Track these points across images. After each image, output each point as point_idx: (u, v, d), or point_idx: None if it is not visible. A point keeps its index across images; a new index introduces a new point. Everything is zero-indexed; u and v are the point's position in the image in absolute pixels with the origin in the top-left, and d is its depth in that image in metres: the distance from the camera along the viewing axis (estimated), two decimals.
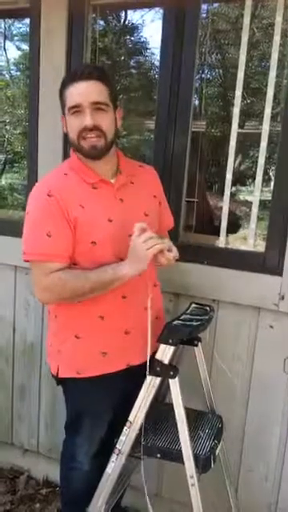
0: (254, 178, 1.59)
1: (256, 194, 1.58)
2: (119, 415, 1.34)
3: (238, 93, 1.55)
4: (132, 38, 8.65)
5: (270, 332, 1.58)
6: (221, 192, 1.61)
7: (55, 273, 1.25)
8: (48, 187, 1.26)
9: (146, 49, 9.03)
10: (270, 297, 1.54)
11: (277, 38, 1.47)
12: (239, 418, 1.66)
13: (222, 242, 1.64)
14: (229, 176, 1.59)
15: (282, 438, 1.61)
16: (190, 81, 1.59)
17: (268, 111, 1.51)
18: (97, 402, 1.38)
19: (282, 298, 1.52)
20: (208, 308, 1.47)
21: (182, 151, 1.65)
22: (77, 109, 1.22)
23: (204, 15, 1.70)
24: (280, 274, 1.52)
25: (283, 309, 1.52)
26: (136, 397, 1.29)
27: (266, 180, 1.66)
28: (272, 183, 1.55)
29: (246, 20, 1.51)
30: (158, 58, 1.61)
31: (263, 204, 1.62)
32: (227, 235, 1.66)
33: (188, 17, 1.56)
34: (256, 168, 1.55)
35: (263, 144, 1.53)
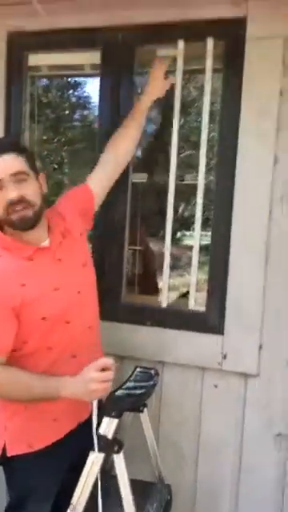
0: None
1: (195, 254, 1.61)
2: (69, 485, 1.24)
3: (174, 149, 1.61)
4: (75, 93, 9.01)
5: (215, 392, 1.57)
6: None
7: None
8: None
9: (89, 102, 9.44)
10: (213, 356, 1.54)
11: (206, 99, 1.56)
12: (189, 483, 1.60)
13: (164, 301, 1.65)
14: (168, 238, 1.62)
15: (232, 502, 1.57)
16: None
17: (202, 167, 1.57)
18: (47, 475, 1.28)
19: (225, 356, 1.53)
20: (152, 372, 1.44)
21: (123, 209, 1.66)
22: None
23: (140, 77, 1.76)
24: (221, 332, 1.54)
25: (226, 367, 1.53)
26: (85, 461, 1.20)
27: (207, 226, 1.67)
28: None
29: (178, 86, 1.60)
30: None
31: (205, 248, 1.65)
32: (169, 293, 1.67)
33: (123, 82, 1.63)
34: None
35: (199, 197, 1.58)
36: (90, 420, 1.27)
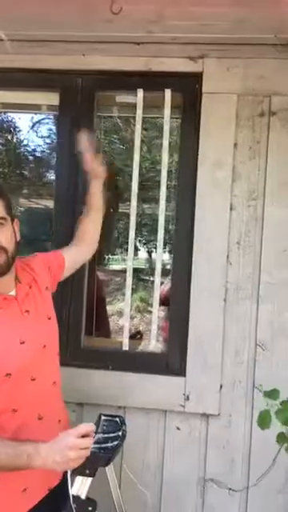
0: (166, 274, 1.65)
1: (156, 296, 1.63)
2: None
3: (134, 200, 1.64)
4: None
5: (178, 434, 1.57)
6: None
7: None
8: None
9: (15, 128, 9.24)
10: (175, 398, 1.55)
11: (165, 147, 1.62)
12: None
13: (125, 344, 1.63)
14: (129, 281, 1.63)
15: None
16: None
17: (162, 218, 1.62)
18: None
19: (187, 398, 1.55)
20: (118, 420, 1.40)
21: None
22: None
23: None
24: (183, 374, 1.55)
25: (189, 409, 1.55)
26: None
27: None
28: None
29: (138, 134, 1.64)
30: (26, 135, 1.62)
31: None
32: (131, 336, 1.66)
33: (82, 124, 1.61)
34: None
35: (160, 247, 1.62)
36: (59, 485, 1.18)
